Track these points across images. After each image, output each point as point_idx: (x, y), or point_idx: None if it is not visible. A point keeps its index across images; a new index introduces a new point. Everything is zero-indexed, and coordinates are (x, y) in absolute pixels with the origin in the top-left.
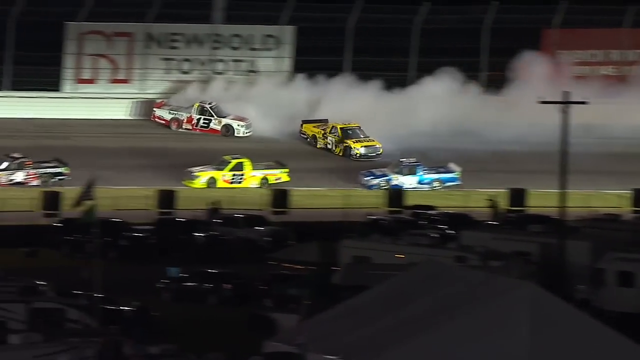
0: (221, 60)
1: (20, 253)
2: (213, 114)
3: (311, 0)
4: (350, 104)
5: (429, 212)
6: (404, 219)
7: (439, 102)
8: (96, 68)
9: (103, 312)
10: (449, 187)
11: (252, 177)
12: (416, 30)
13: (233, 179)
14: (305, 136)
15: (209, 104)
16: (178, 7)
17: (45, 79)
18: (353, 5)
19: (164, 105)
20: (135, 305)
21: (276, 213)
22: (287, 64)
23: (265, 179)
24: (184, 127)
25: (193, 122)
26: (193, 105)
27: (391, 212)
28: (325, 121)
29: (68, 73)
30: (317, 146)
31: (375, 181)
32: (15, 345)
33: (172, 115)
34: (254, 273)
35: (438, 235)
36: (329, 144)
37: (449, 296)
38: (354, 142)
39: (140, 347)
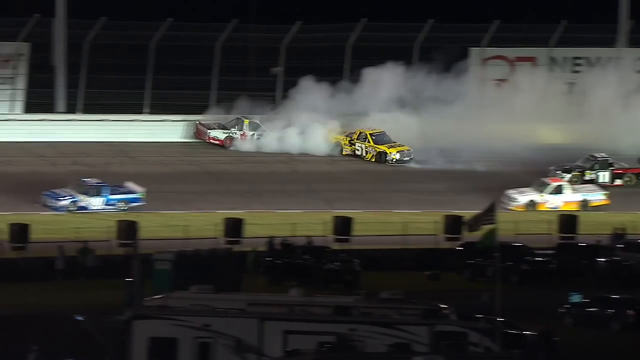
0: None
1: (423, 276)
2: (264, 128)
3: None
4: None
5: None
6: None
7: None
8: (497, 94)
9: (505, 336)
10: (134, 207)
11: None
12: None
13: None
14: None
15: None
16: (581, 31)
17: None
18: None
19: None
20: (537, 329)
21: None
22: None
23: None
24: (237, 144)
25: (247, 139)
26: (243, 122)
27: None
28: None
29: (470, 98)
30: (343, 153)
31: (62, 203)
32: None
33: (226, 134)
34: None
35: None
36: (358, 150)
37: None
38: (388, 148)
39: None
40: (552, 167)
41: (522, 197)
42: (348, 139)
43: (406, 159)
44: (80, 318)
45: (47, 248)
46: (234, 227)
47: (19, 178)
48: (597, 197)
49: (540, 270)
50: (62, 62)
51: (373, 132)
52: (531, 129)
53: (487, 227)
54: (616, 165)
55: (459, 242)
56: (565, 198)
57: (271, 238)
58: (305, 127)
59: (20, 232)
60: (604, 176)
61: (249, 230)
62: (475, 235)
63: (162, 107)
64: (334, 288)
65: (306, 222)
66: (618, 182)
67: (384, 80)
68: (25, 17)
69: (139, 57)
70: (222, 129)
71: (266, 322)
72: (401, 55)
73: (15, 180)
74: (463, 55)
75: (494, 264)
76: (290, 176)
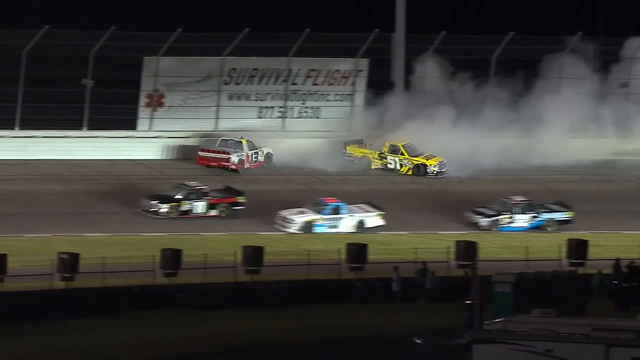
0: None
1: None
2: (256, 147)
3: None
4: None
5: None
6: None
7: None
8: None
9: None
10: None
11: None
12: None
13: None
14: (352, 158)
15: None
16: None
17: None
18: None
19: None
20: None
21: None
22: None
23: None
24: (245, 166)
25: (249, 159)
26: (242, 143)
27: None
28: (360, 141)
29: None
30: (372, 167)
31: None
32: None
33: (239, 157)
34: None
35: None
36: (390, 163)
37: None
38: (425, 159)
39: None
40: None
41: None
42: (377, 152)
43: (444, 169)
44: (418, 341)
45: (385, 269)
46: (578, 248)
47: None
48: None
49: None
50: (401, 78)
51: (405, 143)
52: None
53: None
54: (211, 195)
55: None
56: None
57: (617, 260)
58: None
59: (358, 252)
60: (200, 207)
61: (593, 252)
62: None
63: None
64: None
65: None
66: (213, 212)
67: None
68: (365, 33)
69: (479, 71)
70: (235, 152)
71: (613, 349)
72: None
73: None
74: None
75: None
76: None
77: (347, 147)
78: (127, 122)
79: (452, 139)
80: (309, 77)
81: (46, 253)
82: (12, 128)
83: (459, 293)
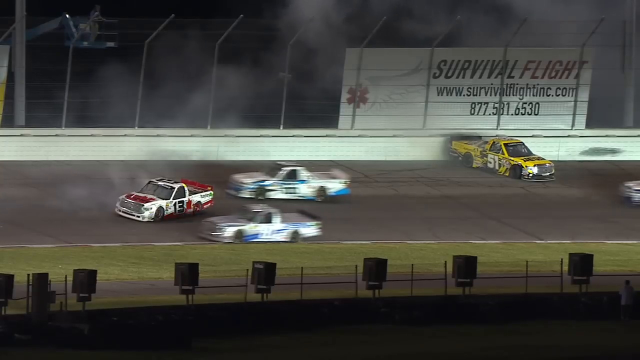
0: None
1: None
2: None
3: None
4: None
5: None
6: None
7: None
8: None
9: None
10: None
11: None
12: None
13: None
14: (456, 154)
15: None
16: None
17: None
18: None
19: None
20: None
21: None
22: None
23: None
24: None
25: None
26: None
27: None
28: (478, 138)
29: None
30: (473, 165)
31: None
32: None
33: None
34: None
35: None
36: (490, 162)
37: None
38: (524, 161)
39: None
40: None
41: None
42: (480, 149)
43: (546, 174)
44: None
45: (613, 281)
46: None
47: None
48: None
49: None
50: (631, 70)
51: (509, 142)
52: None
53: None
54: None
55: None
56: None
57: None
58: None
59: (582, 262)
60: None
61: None
62: None
63: None
64: None
65: None
66: None
67: None
68: (589, 20)
69: None
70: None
71: None
72: None
73: None
74: None
75: None
76: None
77: (453, 143)
78: (327, 119)
79: None
80: (528, 69)
81: (240, 262)
82: (205, 127)
83: None
